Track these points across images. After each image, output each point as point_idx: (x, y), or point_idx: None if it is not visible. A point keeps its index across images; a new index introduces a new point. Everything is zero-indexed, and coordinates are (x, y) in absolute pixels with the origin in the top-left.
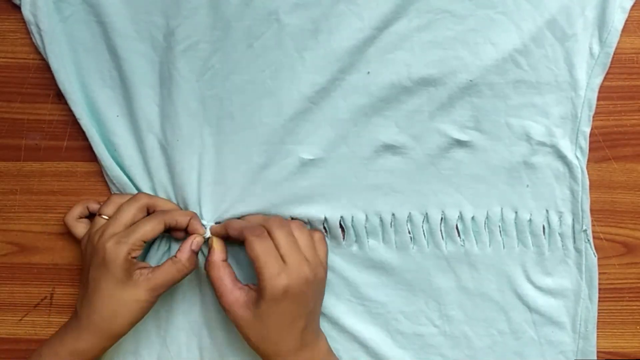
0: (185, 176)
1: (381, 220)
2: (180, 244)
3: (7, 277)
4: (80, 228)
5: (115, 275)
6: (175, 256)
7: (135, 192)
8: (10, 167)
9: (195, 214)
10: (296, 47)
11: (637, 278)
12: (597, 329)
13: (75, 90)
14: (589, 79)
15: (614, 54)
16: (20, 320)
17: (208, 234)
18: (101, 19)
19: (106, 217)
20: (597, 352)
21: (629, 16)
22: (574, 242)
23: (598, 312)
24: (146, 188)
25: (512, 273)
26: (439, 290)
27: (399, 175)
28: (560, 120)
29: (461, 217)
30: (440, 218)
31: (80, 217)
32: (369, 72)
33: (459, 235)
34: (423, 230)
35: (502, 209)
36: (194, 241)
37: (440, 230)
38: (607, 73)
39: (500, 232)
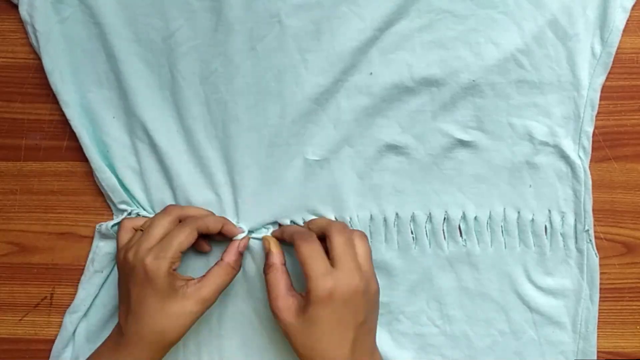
0: (189, 178)
1: (385, 220)
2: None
3: (7, 277)
4: (123, 236)
5: (161, 290)
6: (221, 259)
7: (124, 194)
8: (10, 167)
9: (227, 219)
10: (299, 49)
11: (637, 278)
12: (597, 329)
13: (68, 92)
14: (591, 79)
15: (614, 53)
16: (20, 320)
17: (243, 235)
18: (98, 20)
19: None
20: (597, 352)
21: (629, 16)
22: (576, 242)
23: (598, 312)
24: (137, 189)
25: (513, 273)
26: (440, 291)
27: (402, 175)
28: (563, 120)
29: (464, 217)
30: (443, 218)
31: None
32: (371, 73)
33: (461, 235)
34: (426, 231)
35: (504, 209)
36: (241, 243)
37: (443, 230)
38: (608, 73)
39: (502, 232)
